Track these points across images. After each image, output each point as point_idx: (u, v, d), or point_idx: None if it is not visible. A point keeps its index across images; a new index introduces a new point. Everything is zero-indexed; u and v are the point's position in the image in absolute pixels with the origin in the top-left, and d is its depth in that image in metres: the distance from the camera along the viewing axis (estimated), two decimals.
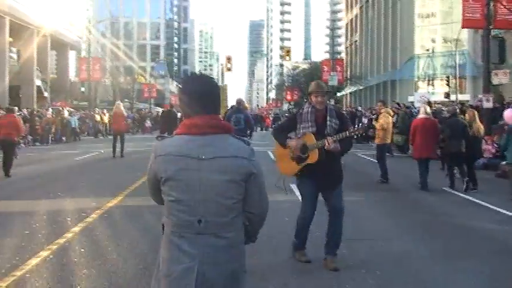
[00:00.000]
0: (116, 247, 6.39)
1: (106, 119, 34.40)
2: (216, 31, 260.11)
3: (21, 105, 35.61)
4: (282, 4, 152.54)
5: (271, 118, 56.28)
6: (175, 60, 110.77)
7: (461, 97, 39.64)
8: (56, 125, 28.72)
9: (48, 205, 9.25)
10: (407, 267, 5.87)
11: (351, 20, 72.85)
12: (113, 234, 7.06)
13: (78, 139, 31.21)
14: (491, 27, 20.46)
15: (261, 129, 45.58)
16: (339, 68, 50.21)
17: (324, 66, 50.35)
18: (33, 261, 5.75)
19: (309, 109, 5.57)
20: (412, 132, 11.86)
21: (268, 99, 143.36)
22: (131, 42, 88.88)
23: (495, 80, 21.19)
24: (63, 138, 29.55)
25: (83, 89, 47.72)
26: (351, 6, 73.12)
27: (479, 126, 12.38)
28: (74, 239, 6.73)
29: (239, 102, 13.58)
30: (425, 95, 34.37)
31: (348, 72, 65.20)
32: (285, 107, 77.61)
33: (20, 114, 24.12)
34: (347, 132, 5.36)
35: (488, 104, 19.02)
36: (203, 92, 2.52)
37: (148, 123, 43.20)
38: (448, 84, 40.94)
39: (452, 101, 33.66)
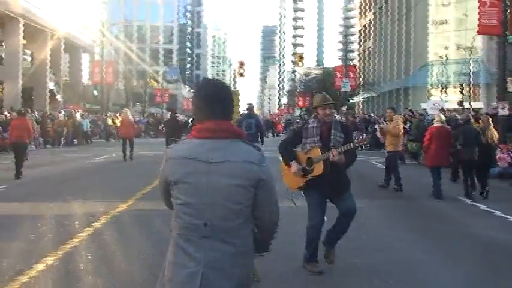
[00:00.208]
0: (123, 253, 6.23)
1: (118, 122, 34.41)
2: (229, 36, 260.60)
3: (34, 107, 35.78)
4: (295, 10, 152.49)
5: (282, 124, 56.11)
6: (188, 65, 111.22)
7: (475, 105, 39.29)
8: (68, 127, 28.73)
9: (57, 208, 9.13)
10: (421, 277, 5.68)
11: (365, 26, 72.58)
12: (121, 239, 6.90)
13: (90, 142, 31.21)
14: (507, 33, 20.16)
15: (273, 135, 45.40)
16: (351, 75, 49.88)
17: (337, 72, 50.01)
18: (39, 267, 5.60)
19: (314, 124, 5.58)
20: (428, 140, 11.66)
21: (280, 105, 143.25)
22: (144, 45, 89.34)
23: (511, 87, 20.86)
24: (75, 141, 29.56)
25: (95, 92, 47.84)
26: (365, 13, 72.87)
27: (493, 133, 12.12)
28: (81, 245, 6.58)
29: (250, 107, 13.43)
30: (438, 103, 34.09)
31: (361, 79, 64.87)
32: (297, 113, 77.34)
33: (32, 116, 24.23)
34: (351, 144, 5.33)
35: (503, 112, 18.70)
36: (215, 96, 2.52)
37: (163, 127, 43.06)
38: (461, 92, 40.58)
39: (466, 109, 33.34)
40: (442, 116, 12.41)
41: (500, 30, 19.91)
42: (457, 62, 47.77)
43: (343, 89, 46.43)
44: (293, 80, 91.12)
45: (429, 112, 26.97)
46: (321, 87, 60.30)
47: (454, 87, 47.20)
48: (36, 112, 29.04)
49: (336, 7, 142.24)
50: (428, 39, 50.43)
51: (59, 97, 46.23)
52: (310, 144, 5.51)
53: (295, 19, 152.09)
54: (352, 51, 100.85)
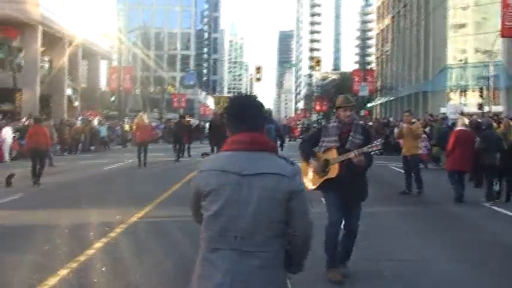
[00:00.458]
0: (139, 266, 6.00)
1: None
2: (245, 41, 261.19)
3: (52, 114, 35.93)
4: (312, 15, 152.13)
5: (299, 129, 55.74)
6: (205, 71, 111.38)
7: (495, 108, 38.62)
8: (85, 134, 28.73)
9: (72, 217, 8.95)
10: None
11: (382, 30, 72.05)
12: (137, 251, 6.66)
13: (107, 148, 31.22)
14: None
15: (289, 140, 45.06)
16: (369, 79, 49.49)
17: (355, 77, 49.63)
18: (51, 281, 5.40)
19: (335, 124, 5.61)
20: (453, 144, 11.35)
21: (296, 109, 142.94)
22: (162, 52, 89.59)
23: None
24: (92, 148, 29.56)
25: (113, 98, 48.00)
26: (383, 16, 72.34)
27: None
28: (96, 257, 6.35)
29: (269, 113, 13.19)
30: (458, 107, 33.56)
31: (379, 83, 64.34)
32: (314, 117, 76.95)
33: (50, 123, 24.25)
34: (364, 148, 5.28)
35: None
36: (247, 109, 2.56)
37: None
38: (481, 96, 39.99)
39: (485, 113, 32.73)
40: (466, 120, 12.16)
41: None
42: (476, 66, 47.19)
43: (361, 93, 46.09)
44: (310, 84, 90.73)
45: (450, 116, 26.46)
46: (338, 92, 59.96)
47: (473, 91, 46.63)
48: (52, 119, 29.05)
49: (353, 11, 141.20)
50: (447, 42, 49.83)
51: (76, 104, 46.43)
52: (328, 144, 5.52)
53: (312, 23, 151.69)
54: (369, 55, 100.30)
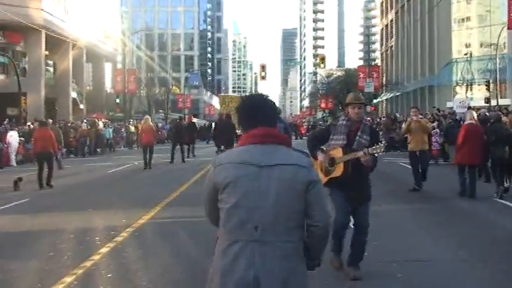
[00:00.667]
0: (145, 271, 5.83)
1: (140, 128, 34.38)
2: (249, 40, 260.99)
3: (57, 117, 35.92)
4: (315, 12, 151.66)
5: (305, 126, 55.51)
6: (209, 70, 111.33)
7: (502, 102, 38.30)
8: (91, 136, 28.65)
9: (77, 222, 8.82)
10: None
11: (386, 25, 71.65)
12: (144, 256, 6.48)
13: (113, 150, 31.15)
14: None
15: (296, 138, 44.83)
16: (375, 75, 49.12)
17: (360, 73, 49.31)
18: None
19: (344, 122, 5.55)
20: (462, 138, 11.18)
21: (301, 107, 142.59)
22: (165, 53, 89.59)
23: None
24: (98, 150, 29.49)
25: (117, 100, 47.96)
26: (386, 12, 71.93)
27: None
28: (101, 262, 6.19)
29: (278, 111, 13.04)
30: (465, 101, 33.29)
31: (384, 79, 63.95)
32: (319, 115, 76.66)
33: (56, 125, 24.19)
34: (369, 150, 5.18)
35: None
36: (261, 106, 2.64)
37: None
38: (488, 89, 39.67)
39: (494, 106, 32.41)
40: (475, 114, 11.97)
41: None
42: (481, 59, 46.88)
43: (366, 90, 45.77)
44: (314, 82, 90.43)
45: (457, 110, 26.20)
46: (343, 89, 59.66)
47: (479, 84, 46.34)
48: (57, 122, 29.00)
49: (356, 7, 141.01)
50: (452, 36, 49.49)
51: (82, 106, 46.46)
52: (336, 142, 5.47)
53: (315, 21, 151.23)
54: (374, 51, 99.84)
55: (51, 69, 45.37)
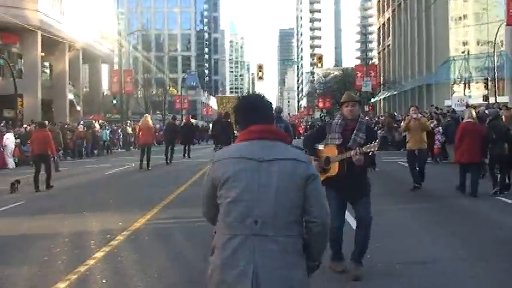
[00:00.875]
0: (141, 276, 5.66)
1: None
2: (246, 41, 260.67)
3: (54, 119, 35.72)
4: (312, 11, 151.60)
5: (302, 126, 55.39)
6: (206, 71, 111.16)
7: (500, 99, 38.17)
8: (87, 138, 28.47)
9: (72, 225, 8.65)
10: None
11: (383, 24, 71.55)
12: (140, 260, 6.32)
13: (110, 152, 30.96)
14: None
15: (294, 138, 44.67)
16: (372, 74, 49.04)
17: (357, 72, 49.20)
18: None
19: (339, 121, 5.53)
20: (459, 136, 11.21)
21: (299, 107, 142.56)
22: (162, 53, 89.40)
23: None
24: (95, 152, 29.31)
25: (114, 101, 47.79)
26: (383, 11, 71.83)
27: None
28: (96, 267, 6.02)
29: (279, 110, 12.91)
30: (463, 99, 33.20)
31: (381, 78, 63.86)
32: (317, 115, 76.57)
33: (55, 125, 24.04)
34: (362, 148, 5.14)
35: None
36: (258, 104, 2.66)
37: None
38: (486, 87, 39.61)
39: (494, 104, 32.32)
40: (473, 112, 11.96)
41: None
42: (478, 57, 46.83)
43: (364, 89, 45.69)
44: (312, 82, 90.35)
45: (456, 109, 26.10)
46: (341, 88, 59.59)
47: (477, 82, 46.30)
48: (56, 124, 28.82)
49: (353, 7, 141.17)
50: (449, 34, 49.42)
51: (79, 108, 46.27)
52: (331, 141, 5.46)
53: (312, 21, 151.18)
54: (371, 50, 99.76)
55: (48, 70, 45.19)
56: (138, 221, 8.66)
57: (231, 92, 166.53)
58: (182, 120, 32.96)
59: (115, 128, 36.33)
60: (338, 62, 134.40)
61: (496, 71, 39.72)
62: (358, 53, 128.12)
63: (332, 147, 5.44)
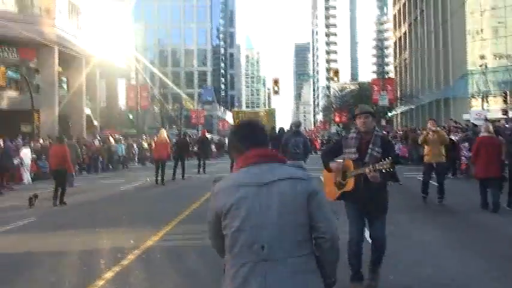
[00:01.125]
0: None
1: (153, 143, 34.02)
2: (261, 55, 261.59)
3: (71, 133, 35.84)
4: (328, 26, 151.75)
5: (319, 141, 54.98)
6: (222, 86, 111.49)
7: None
8: (102, 153, 28.42)
9: (83, 243, 8.44)
10: None
11: (400, 38, 71.18)
12: (150, 282, 6.07)
13: (126, 167, 30.88)
14: None
15: (311, 153, 44.28)
16: (389, 87, 48.58)
17: (374, 86, 48.80)
18: None
19: (354, 135, 5.47)
20: (475, 150, 11.09)
21: (315, 121, 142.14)
22: (179, 69, 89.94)
23: None
24: (110, 167, 29.25)
25: (131, 116, 47.96)
26: (399, 25, 71.52)
27: None
28: None
29: (297, 124, 12.68)
30: (482, 113, 32.73)
31: (398, 92, 63.38)
32: (333, 129, 76.11)
33: (72, 140, 24.09)
34: (376, 165, 5.00)
35: None
36: (253, 130, 2.68)
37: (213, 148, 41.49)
38: (505, 101, 39.04)
39: (510, 118, 31.77)
40: (491, 126, 11.76)
41: None
42: (497, 71, 46.25)
43: (381, 103, 45.23)
44: (328, 96, 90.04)
45: (475, 123, 25.63)
46: (357, 102, 59.15)
47: (495, 96, 45.74)
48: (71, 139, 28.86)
49: (368, 21, 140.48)
50: (467, 48, 48.92)
51: (96, 123, 46.45)
52: (348, 155, 5.38)
53: (327, 35, 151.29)
54: (387, 64, 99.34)
55: (65, 85, 45.49)
56: (151, 239, 8.42)
57: (247, 107, 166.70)
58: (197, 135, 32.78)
59: (131, 142, 36.28)
60: (354, 76, 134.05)
61: None
62: (375, 67, 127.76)
63: (348, 162, 5.34)
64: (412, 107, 59.70)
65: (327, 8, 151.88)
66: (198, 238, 8.61)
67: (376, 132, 5.43)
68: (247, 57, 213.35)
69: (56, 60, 38.29)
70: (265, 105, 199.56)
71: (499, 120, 27.66)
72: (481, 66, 46.88)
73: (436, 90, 53.57)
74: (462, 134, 19.15)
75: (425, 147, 12.23)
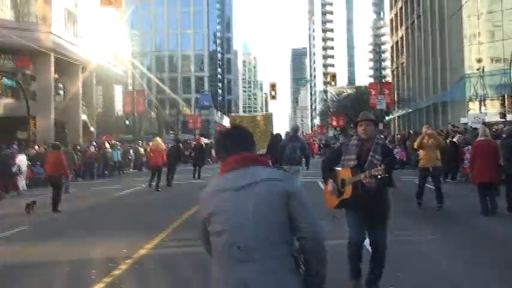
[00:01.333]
0: None
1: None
2: (259, 60, 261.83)
3: (68, 140, 35.64)
4: (324, 31, 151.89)
5: (316, 145, 54.80)
6: (220, 91, 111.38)
7: None
8: (98, 159, 28.22)
9: (74, 252, 8.24)
10: None
11: (397, 42, 71.19)
12: None
13: (122, 173, 30.66)
14: None
15: (312, 157, 43.98)
16: (386, 92, 48.53)
17: (371, 90, 48.73)
18: None
19: (355, 142, 5.45)
20: (472, 156, 11.12)
21: (312, 126, 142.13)
22: (176, 74, 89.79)
23: None
24: (106, 173, 29.04)
25: (127, 122, 47.72)
26: (396, 29, 71.55)
27: None
28: None
29: (295, 128, 12.57)
30: (480, 116, 32.67)
31: (395, 96, 63.33)
32: (331, 133, 76.02)
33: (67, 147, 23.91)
34: (371, 171, 4.91)
35: None
36: (235, 136, 2.72)
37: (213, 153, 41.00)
38: (503, 104, 38.99)
39: (508, 121, 31.70)
40: (487, 130, 11.75)
41: None
42: (494, 74, 46.25)
43: (378, 107, 45.18)
44: (325, 100, 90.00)
45: (473, 126, 25.53)
46: (354, 106, 59.11)
47: (492, 99, 45.75)
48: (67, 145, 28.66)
49: (365, 25, 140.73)
50: (464, 52, 48.92)
51: (92, 129, 46.24)
52: (348, 162, 5.33)
53: (324, 39, 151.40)
54: (384, 68, 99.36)
55: (61, 92, 45.30)
56: (144, 248, 8.22)
57: (244, 111, 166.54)
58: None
59: (127, 148, 36.04)
60: (351, 81, 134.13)
61: None
62: (372, 71, 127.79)
63: (346, 169, 5.29)
64: (410, 110, 59.65)
65: (323, 13, 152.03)
66: (191, 245, 8.42)
67: (376, 139, 5.42)
68: (244, 62, 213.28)
69: (52, 67, 38.15)
70: (262, 110, 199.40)
71: (496, 123, 27.55)
72: (478, 69, 46.87)
73: (434, 94, 53.52)
74: (463, 136, 18.99)
75: (421, 151, 12.17)
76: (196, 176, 22.81)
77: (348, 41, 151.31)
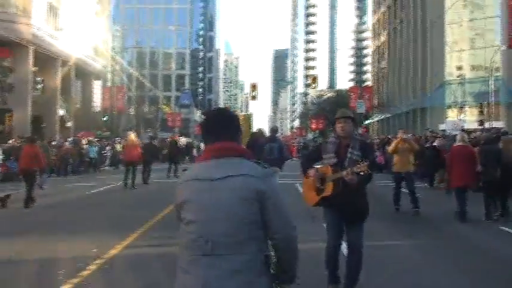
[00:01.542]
0: None
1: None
2: (240, 60, 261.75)
3: (44, 135, 35.02)
4: (307, 33, 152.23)
5: (295, 147, 54.78)
6: (200, 90, 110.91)
7: (496, 124, 37.97)
8: (74, 155, 27.72)
9: (42, 251, 7.94)
10: None
11: (378, 47, 71.64)
12: None
13: (98, 170, 30.18)
14: None
15: (289, 159, 43.84)
16: (366, 96, 48.83)
17: (352, 93, 48.96)
18: None
19: (333, 139, 5.44)
20: (449, 161, 11.22)
21: (292, 128, 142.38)
22: (156, 71, 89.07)
23: None
24: (81, 169, 28.56)
25: (105, 118, 47.10)
26: (378, 34, 71.99)
27: None
28: None
29: (274, 129, 12.52)
30: (458, 123, 33.03)
31: (375, 100, 63.72)
32: (310, 136, 76.22)
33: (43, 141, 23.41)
34: (353, 168, 4.91)
35: None
36: (218, 121, 2.62)
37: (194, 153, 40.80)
38: (481, 111, 39.52)
39: (487, 128, 32.06)
40: (466, 136, 11.96)
41: None
42: (473, 82, 46.86)
43: (358, 110, 45.40)
44: (305, 103, 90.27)
45: (451, 133, 25.72)
46: (334, 109, 59.25)
47: (470, 107, 46.37)
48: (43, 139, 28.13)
49: (347, 29, 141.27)
50: (445, 59, 49.42)
51: (69, 124, 45.55)
52: (327, 160, 5.32)
53: (307, 42, 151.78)
54: (365, 72, 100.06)
55: (39, 86, 44.53)
56: (115, 248, 7.96)
57: None
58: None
59: (105, 144, 35.48)
60: (332, 84, 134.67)
61: (492, 95, 39.68)
62: (353, 75, 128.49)
63: (326, 167, 5.29)
64: (389, 115, 60.04)
65: (306, 15, 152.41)
66: (164, 245, 8.24)
67: (354, 136, 5.40)
68: (226, 61, 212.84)
69: (31, 60, 37.48)
70: (242, 111, 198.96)
71: (475, 131, 27.80)
72: (458, 76, 47.43)
73: (413, 99, 53.95)
74: (443, 140, 19.04)
75: (395, 156, 12.22)
76: (171, 174, 22.35)
77: (330, 44, 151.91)
